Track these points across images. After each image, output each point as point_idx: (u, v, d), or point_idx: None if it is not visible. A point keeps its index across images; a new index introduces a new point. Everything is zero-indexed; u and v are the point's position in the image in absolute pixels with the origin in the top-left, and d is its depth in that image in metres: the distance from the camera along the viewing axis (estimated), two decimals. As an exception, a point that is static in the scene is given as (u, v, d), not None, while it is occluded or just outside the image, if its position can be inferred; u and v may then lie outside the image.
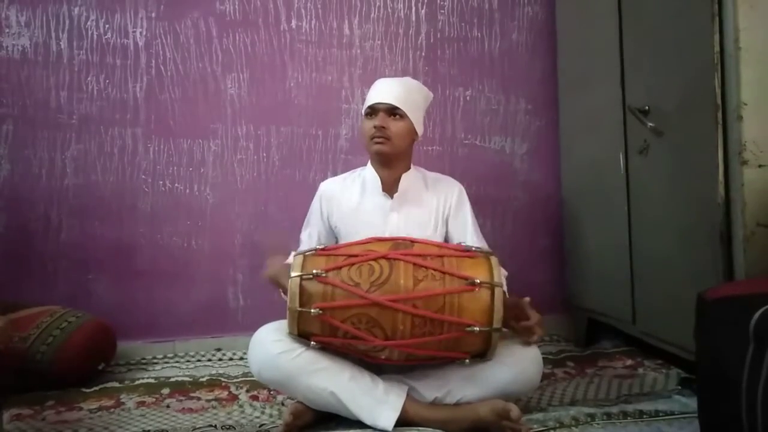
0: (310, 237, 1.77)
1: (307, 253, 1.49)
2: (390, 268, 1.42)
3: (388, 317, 1.38)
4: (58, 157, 2.24)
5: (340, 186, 1.79)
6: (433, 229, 1.71)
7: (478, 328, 1.38)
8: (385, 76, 2.29)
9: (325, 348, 1.46)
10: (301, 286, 1.41)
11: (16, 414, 1.66)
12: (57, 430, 1.57)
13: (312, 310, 1.39)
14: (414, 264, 1.43)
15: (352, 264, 1.43)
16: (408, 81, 1.79)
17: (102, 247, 2.25)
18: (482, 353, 1.45)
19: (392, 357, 1.44)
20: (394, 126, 1.67)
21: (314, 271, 1.41)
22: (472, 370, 1.47)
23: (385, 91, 1.69)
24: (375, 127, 1.66)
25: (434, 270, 1.42)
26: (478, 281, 1.40)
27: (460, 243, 1.60)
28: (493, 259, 1.47)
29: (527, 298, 1.52)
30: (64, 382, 1.86)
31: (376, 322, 1.38)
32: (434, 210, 1.73)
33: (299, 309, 1.40)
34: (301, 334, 1.44)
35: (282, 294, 1.52)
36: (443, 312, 1.39)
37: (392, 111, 1.67)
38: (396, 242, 1.51)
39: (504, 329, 1.45)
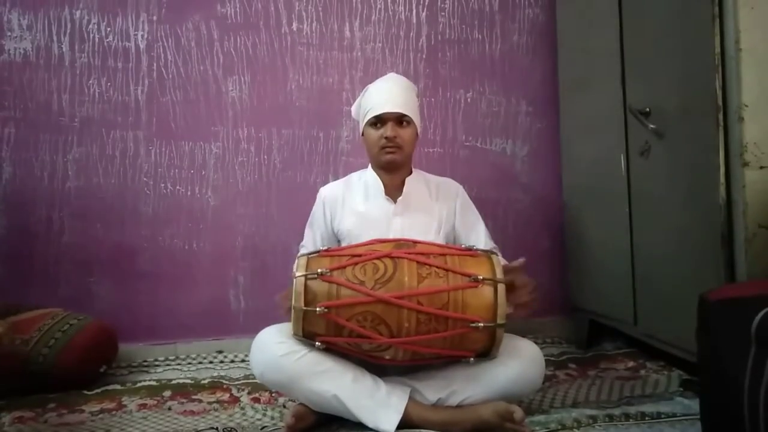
0: (314, 243, 1.77)
1: (311, 255, 1.49)
2: (394, 266, 1.42)
3: (393, 314, 1.38)
4: (59, 160, 2.25)
5: (341, 190, 1.78)
6: (435, 233, 1.70)
7: (482, 324, 1.39)
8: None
9: (329, 349, 1.46)
10: (305, 286, 1.41)
11: (17, 417, 1.66)
12: (59, 433, 1.57)
13: (317, 309, 1.38)
14: (417, 262, 1.43)
15: (356, 263, 1.44)
16: (400, 81, 1.76)
17: (103, 250, 2.26)
18: (486, 351, 1.45)
19: (397, 357, 1.44)
20: (404, 134, 1.67)
21: (318, 270, 1.41)
22: (475, 371, 1.47)
23: (390, 99, 1.66)
24: (387, 138, 1.64)
25: (438, 267, 1.43)
26: (481, 278, 1.41)
27: (461, 244, 1.61)
28: (495, 258, 1.48)
29: (522, 259, 1.51)
30: (65, 384, 1.86)
31: (382, 319, 1.38)
32: (437, 214, 1.73)
33: (304, 308, 1.40)
34: (306, 335, 1.44)
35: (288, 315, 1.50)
36: (447, 308, 1.39)
37: (400, 119, 1.66)
38: (399, 242, 1.52)
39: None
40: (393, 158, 1.67)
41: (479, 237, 1.73)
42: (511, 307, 1.47)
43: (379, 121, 1.66)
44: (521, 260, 1.52)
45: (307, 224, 1.83)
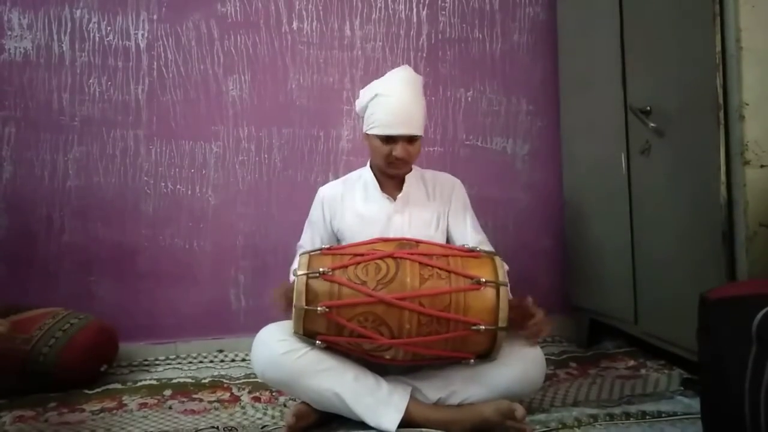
0: (312, 242, 1.75)
1: (312, 253, 1.49)
2: (396, 266, 1.42)
3: (395, 315, 1.38)
4: (60, 159, 2.25)
5: (340, 190, 1.77)
6: (434, 228, 1.71)
7: (483, 327, 1.39)
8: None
9: (330, 347, 1.46)
10: (307, 285, 1.40)
11: (18, 416, 1.66)
12: (59, 432, 1.57)
13: (318, 308, 1.38)
14: (420, 263, 1.43)
15: (359, 263, 1.44)
16: (412, 87, 1.65)
17: (104, 249, 2.26)
18: (487, 353, 1.45)
19: (397, 357, 1.44)
20: (414, 149, 1.65)
21: (320, 270, 1.41)
22: (476, 371, 1.47)
23: (404, 120, 1.60)
24: (397, 156, 1.62)
25: (440, 269, 1.43)
26: (484, 280, 1.41)
27: (463, 245, 1.60)
28: (497, 260, 1.48)
29: (530, 298, 1.52)
30: (66, 383, 1.86)
31: (383, 320, 1.38)
32: (435, 210, 1.73)
33: (305, 307, 1.39)
34: (307, 334, 1.43)
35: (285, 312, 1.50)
36: (449, 310, 1.39)
37: (411, 137, 1.63)
38: (401, 242, 1.52)
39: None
40: (399, 173, 1.69)
41: (465, 231, 1.72)
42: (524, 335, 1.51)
43: (389, 138, 1.62)
44: (530, 298, 1.52)
45: (306, 224, 1.82)
